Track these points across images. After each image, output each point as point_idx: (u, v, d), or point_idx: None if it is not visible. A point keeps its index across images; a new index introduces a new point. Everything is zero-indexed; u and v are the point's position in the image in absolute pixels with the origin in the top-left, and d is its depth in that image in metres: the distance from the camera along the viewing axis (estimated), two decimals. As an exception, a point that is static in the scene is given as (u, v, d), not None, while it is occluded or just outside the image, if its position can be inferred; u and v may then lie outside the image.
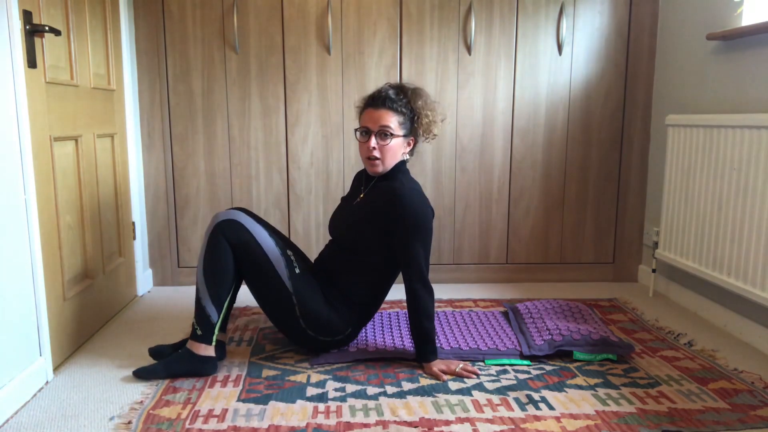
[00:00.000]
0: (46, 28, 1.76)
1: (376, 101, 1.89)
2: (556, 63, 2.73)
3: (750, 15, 2.17)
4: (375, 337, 2.10)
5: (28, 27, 1.72)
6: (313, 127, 2.73)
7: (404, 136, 1.91)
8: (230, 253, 1.81)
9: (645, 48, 2.75)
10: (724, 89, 2.27)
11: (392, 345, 2.02)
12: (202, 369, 1.82)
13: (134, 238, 2.61)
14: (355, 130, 1.94)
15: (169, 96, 2.67)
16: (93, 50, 2.21)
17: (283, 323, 1.91)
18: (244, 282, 1.91)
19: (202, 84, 2.67)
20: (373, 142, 1.87)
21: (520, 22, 2.70)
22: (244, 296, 2.65)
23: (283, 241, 2.00)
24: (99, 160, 2.26)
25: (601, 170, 2.83)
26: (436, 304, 2.36)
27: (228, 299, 1.85)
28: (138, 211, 2.65)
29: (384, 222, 1.86)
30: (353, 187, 2.09)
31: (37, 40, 1.79)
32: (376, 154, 1.88)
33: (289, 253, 1.89)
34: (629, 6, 2.72)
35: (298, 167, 2.75)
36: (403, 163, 1.96)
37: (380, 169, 1.91)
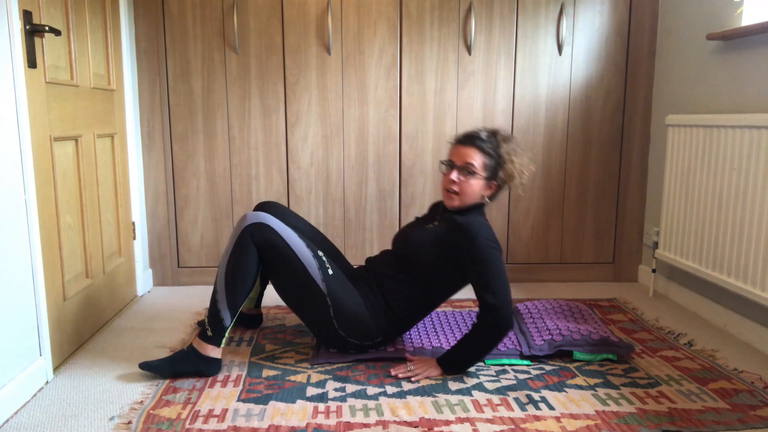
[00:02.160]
0: (46, 28, 1.76)
1: (465, 139, 1.93)
2: (556, 63, 2.73)
3: (750, 15, 2.17)
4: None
5: (28, 27, 1.72)
6: (313, 127, 2.73)
7: (486, 178, 1.91)
8: (256, 258, 1.80)
9: (645, 48, 2.75)
10: (723, 89, 2.27)
11: (393, 347, 2.02)
12: (207, 370, 1.81)
13: (134, 238, 2.61)
14: (441, 162, 1.98)
15: (169, 96, 2.68)
16: (93, 50, 2.21)
17: (315, 324, 1.91)
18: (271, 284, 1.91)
19: (202, 84, 2.67)
20: (454, 175, 1.90)
21: (520, 22, 2.70)
22: (244, 296, 2.65)
23: (315, 241, 2.00)
24: (99, 160, 2.26)
25: (601, 170, 2.83)
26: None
27: (244, 304, 1.85)
28: (138, 211, 2.65)
29: (452, 252, 1.86)
30: (429, 213, 2.12)
31: (37, 40, 1.79)
32: (455, 188, 1.90)
33: (321, 254, 1.88)
34: (629, 6, 2.72)
35: (298, 167, 2.75)
36: (481, 205, 1.96)
37: (456, 203, 1.92)
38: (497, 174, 1.92)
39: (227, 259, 1.81)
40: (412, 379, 1.79)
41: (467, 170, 1.89)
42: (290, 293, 1.89)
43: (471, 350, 1.80)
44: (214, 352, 1.82)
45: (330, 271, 1.86)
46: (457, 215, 1.92)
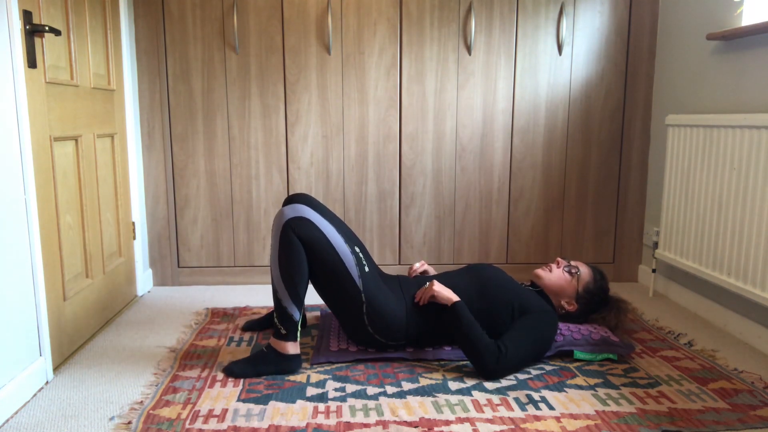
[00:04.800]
0: (46, 28, 1.76)
1: (597, 268, 2.09)
2: (556, 63, 2.73)
3: (750, 15, 2.17)
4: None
5: (28, 27, 1.72)
6: (313, 127, 2.73)
7: (576, 293, 2.02)
8: (302, 250, 1.81)
9: (645, 48, 2.75)
10: (724, 89, 2.27)
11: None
12: (289, 367, 1.84)
13: (134, 238, 2.61)
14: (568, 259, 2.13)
15: (169, 96, 2.68)
16: (93, 50, 2.21)
17: (346, 317, 1.92)
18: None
19: (202, 84, 2.67)
20: (562, 262, 2.06)
21: (520, 22, 2.70)
22: (243, 297, 2.65)
23: (349, 237, 2.01)
24: (99, 160, 2.26)
25: (601, 170, 2.83)
26: None
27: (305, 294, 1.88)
28: (138, 211, 2.65)
29: (516, 310, 1.91)
30: None
31: (37, 40, 1.79)
32: (553, 266, 2.05)
33: (357, 250, 1.91)
34: (629, 6, 2.72)
35: (298, 167, 2.75)
36: (554, 307, 2.03)
37: (544, 277, 2.04)
38: (585, 300, 2.03)
39: (277, 257, 1.81)
40: (428, 293, 1.88)
41: (572, 269, 2.03)
42: (325, 286, 1.89)
43: (467, 333, 1.79)
44: (293, 348, 1.84)
45: (366, 269, 1.88)
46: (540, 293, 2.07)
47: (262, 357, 1.84)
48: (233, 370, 1.82)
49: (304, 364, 1.91)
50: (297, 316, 1.82)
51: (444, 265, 2.86)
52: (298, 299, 1.82)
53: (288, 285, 1.80)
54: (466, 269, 2.06)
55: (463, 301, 1.92)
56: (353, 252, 1.87)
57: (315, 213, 1.85)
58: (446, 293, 1.87)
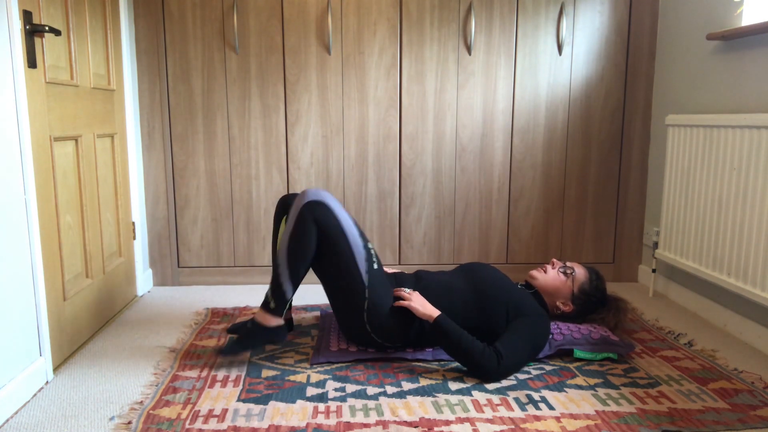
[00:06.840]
0: (46, 28, 1.76)
1: (589, 266, 2.10)
2: (556, 63, 2.73)
3: (750, 15, 2.17)
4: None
5: (28, 27, 1.72)
6: (313, 127, 2.73)
7: (572, 293, 2.02)
8: (315, 234, 1.83)
9: (645, 48, 2.75)
10: (724, 89, 2.27)
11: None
12: (276, 337, 1.89)
13: (134, 238, 2.61)
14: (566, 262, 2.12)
15: (169, 96, 2.68)
16: (93, 50, 2.21)
17: (345, 312, 1.92)
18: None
19: (202, 84, 2.67)
20: (558, 263, 2.07)
21: (520, 22, 2.70)
22: (243, 297, 2.65)
23: (362, 234, 2.02)
24: (99, 160, 2.26)
25: (601, 170, 2.83)
26: None
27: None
28: (138, 211, 2.65)
29: (511, 311, 1.90)
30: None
31: (37, 40, 1.79)
32: (548, 267, 2.06)
33: (370, 246, 1.92)
34: (629, 6, 2.72)
35: (298, 167, 2.76)
36: (548, 308, 2.05)
37: (539, 278, 2.03)
38: (581, 301, 2.03)
39: (289, 233, 1.84)
40: (404, 304, 1.86)
41: (567, 270, 2.04)
42: (331, 276, 1.90)
43: (458, 344, 1.78)
44: (277, 321, 1.88)
45: (375, 266, 1.89)
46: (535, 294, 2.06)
47: (247, 333, 1.88)
48: (223, 350, 1.86)
49: (304, 364, 1.91)
50: (289, 294, 1.85)
51: (444, 265, 2.86)
52: (296, 279, 1.84)
53: (291, 263, 1.82)
54: (461, 269, 2.06)
55: (459, 301, 1.92)
56: (366, 247, 1.88)
57: (335, 201, 1.88)
58: (424, 310, 1.85)
